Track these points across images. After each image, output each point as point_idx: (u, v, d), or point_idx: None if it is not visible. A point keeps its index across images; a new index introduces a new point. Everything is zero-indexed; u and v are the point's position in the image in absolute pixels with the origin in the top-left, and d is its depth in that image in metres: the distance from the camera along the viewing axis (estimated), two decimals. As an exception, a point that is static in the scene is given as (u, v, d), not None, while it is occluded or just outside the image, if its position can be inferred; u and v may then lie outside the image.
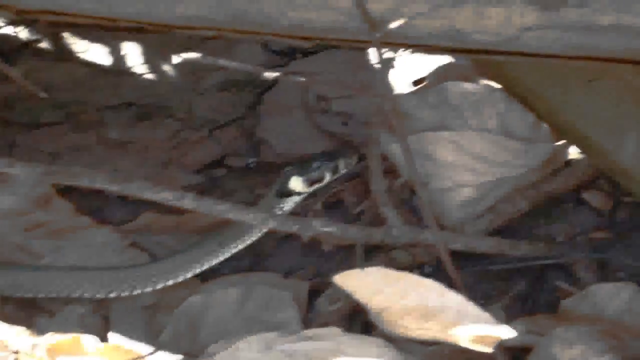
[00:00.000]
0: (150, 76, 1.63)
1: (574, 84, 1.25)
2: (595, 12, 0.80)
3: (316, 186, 1.34)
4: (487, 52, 0.88)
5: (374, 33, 0.87)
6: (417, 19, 0.86)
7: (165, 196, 1.23)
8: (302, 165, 1.34)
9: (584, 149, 1.32)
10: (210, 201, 1.25)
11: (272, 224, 1.26)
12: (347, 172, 1.36)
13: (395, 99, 1.45)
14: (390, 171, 1.43)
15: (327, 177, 1.33)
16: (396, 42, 0.91)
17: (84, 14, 1.03)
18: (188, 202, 1.24)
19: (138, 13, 0.99)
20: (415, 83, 1.63)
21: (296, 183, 1.33)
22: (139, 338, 1.33)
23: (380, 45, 0.89)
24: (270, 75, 0.91)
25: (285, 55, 1.66)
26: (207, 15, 0.94)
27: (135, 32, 1.02)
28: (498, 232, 1.41)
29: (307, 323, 1.31)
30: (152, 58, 1.60)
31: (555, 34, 0.83)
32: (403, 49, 0.97)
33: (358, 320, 1.32)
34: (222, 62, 0.89)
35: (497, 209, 1.41)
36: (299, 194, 1.34)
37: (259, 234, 1.36)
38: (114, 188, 1.24)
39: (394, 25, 0.85)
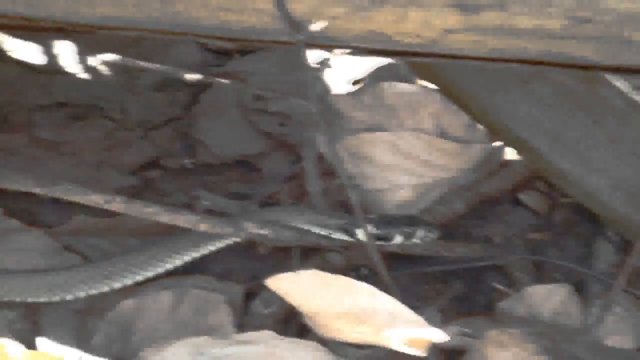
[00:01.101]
0: (83, 76, 1.60)
1: (508, 85, 1.25)
2: (514, 15, 0.79)
3: (382, 243, 1.31)
4: (409, 54, 0.87)
5: (295, 35, 0.85)
6: (337, 21, 0.85)
7: (94, 199, 1.21)
8: (383, 219, 1.33)
9: (519, 150, 1.32)
10: (140, 204, 1.23)
11: (203, 227, 1.25)
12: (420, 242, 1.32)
13: (331, 99, 1.45)
14: (328, 172, 1.43)
15: (397, 240, 1.30)
16: (319, 43, 0.90)
17: (7, 14, 1.01)
18: (117, 204, 1.22)
19: (61, 14, 0.97)
20: (354, 83, 1.63)
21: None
22: (69, 343, 1.30)
23: (304, 46, 0.88)
24: (192, 77, 0.89)
25: (222, 54, 1.65)
26: (126, 16, 0.92)
27: (59, 32, 1.00)
28: (435, 233, 1.42)
29: (242, 327, 1.31)
30: (86, 57, 1.58)
31: (475, 36, 0.82)
32: (329, 50, 0.96)
33: (294, 323, 1.31)
34: (143, 64, 0.87)
35: (434, 211, 1.40)
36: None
37: (208, 250, 1.34)
38: (41, 191, 1.22)
39: (315, 27, 0.84)
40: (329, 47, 0.90)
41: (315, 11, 0.85)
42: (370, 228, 1.28)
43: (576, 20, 0.80)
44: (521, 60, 0.84)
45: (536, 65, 0.83)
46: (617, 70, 0.83)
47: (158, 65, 0.88)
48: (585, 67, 0.84)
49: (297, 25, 0.85)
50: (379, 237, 1.30)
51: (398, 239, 1.31)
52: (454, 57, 0.87)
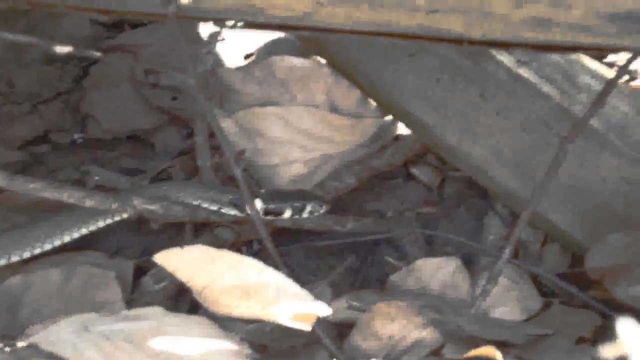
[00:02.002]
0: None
1: (395, 58, 1.26)
2: (381, -10, 0.79)
3: (271, 217, 1.31)
4: (283, 27, 0.87)
5: (166, 7, 0.84)
6: (210, -6, 0.84)
7: (-26, 174, 1.18)
8: (273, 194, 1.33)
9: (408, 124, 1.33)
10: (23, 179, 1.20)
11: (89, 202, 1.23)
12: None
13: (221, 73, 1.44)
14: (219, 147, 1.42)
15: (287, 214, 1.30)
16: (191, 15, 0.89)
17: None
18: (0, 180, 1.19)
19: None
20: (246, 57, 1.62)
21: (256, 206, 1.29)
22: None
23: (177, 19, 0.86)
24: (63, 49, 0.87)
25: (113, 27, 1.62)
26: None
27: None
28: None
29: (132, 303, 1.29)
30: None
31: (345, 9, 0.82)
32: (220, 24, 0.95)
33: (185, 299, 1.30)
34: (9, 36, 0.84)
35: (326, 185, 1.40)
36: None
37: (97, 227, 1.32)
38: None
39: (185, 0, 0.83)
40: (201, 20, 0.89)
41: (185, -18, 0.83)
42: (259, 203, 1.29)
43: (442, -8, 0.80)
44: (390, 34, 0.84)
45: (405, 38, 0.84)
46: (483, 43, 0.84)
47: (26, 38, 0.86)
48: (452, 41, 0.84)
49: (167, -3, 0.84)
50: (268, 212, 1.30)
51: (287, 213, 1.31)
52: (326, 30, 0.86)
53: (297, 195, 1.32)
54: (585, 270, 1.26)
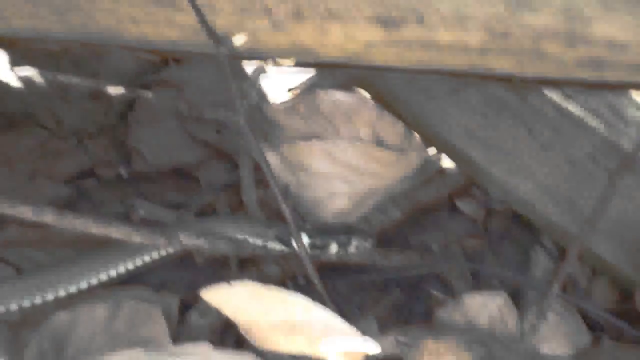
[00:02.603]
0: (17, 84, 1.58)
1: (440, 93, 1.26)
2: (433, 30, 0.79)
3: (317, 252, 1.30)
4: (334, 65, 0.87)
5: (218, 48, 0.84)
6: (260, 35, 0.84)
7: (24, 211, 1.18)
8: (318, 228, 1.32)
9: (453, 158, 1.32)
10: (71, 215, 1.20)
11: (136, 238, 1.23)
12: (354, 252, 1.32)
13: (266, 108, 1.45)
14: (265, 181, 1.42)
15: (333, 249, 1.30)
16: (243, 56, 0.89)
17: None
18: (48, 216, 1.19)
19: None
20: (290, 91, 1.62)
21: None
22: (1, 357, 1.29)
23: (227, 60, 0.87)
24: (114, 90, 0.87)
25: (158, 62, 1.63)
26: (47, 29, 0.91)
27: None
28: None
29: (178, 338, 1.29)
30: (19, 65, 1.55)
31: (397, 50, 0.82)
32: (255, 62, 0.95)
33: (231, 334, 1.30)
34: (60, 77, 0.85)
35: (371, 219, 1.40)
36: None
37: (143, 261, 1.32)
38: (-31, 203, 1.19)
39: (237, 41, 0.83)
40: (252, 60, 0.90)
41: (237, 25, 0.84)
42: (305, 237, 1.28)
43: (494, 34, 0.80)
44: (441, 72, 0.84)
45: (456, 76, 0.84)
46: (535, 81, 0.84)
47: (79, 79, 0.87)
48: (504, 79, 0.84)
49: (219, 39, 0.84)
50: (314, 246, 1.30)
51: (333, 248, 1.30)
52: (377, 69, 0.87)
53: (343, 230, 1.31)
54: (636, 306, 1.26)
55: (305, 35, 0.83)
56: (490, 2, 0.78)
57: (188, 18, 0.84)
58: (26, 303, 1.29)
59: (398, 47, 0.81)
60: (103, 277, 1.32)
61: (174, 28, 0.87)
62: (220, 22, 0.84)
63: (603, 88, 0.85)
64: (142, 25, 0.87)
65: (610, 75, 0.83)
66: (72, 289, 1.31)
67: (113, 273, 1.32)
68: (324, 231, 1.31)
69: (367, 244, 1.30)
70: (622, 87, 0.84)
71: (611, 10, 0.77)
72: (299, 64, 0.89)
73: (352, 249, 1.30)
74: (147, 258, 1.33)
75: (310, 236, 1.29)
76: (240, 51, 0.87)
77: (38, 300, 1.30)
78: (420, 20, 0.77)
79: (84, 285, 1.31)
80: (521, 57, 0.81)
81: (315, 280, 1.18)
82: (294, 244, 1.27)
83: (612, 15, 0.77)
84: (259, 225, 1.33)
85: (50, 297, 1.30)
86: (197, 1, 0.83)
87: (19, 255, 1.40)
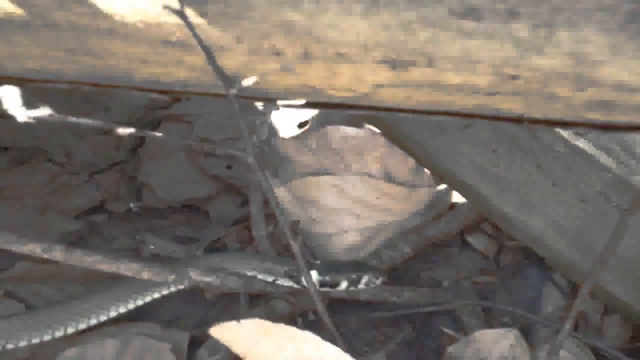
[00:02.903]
0: (27, 119, 1.58)
1: (449, 129, 1.25)
2: (442, 72, 0.79)
3: (327, 289, 1.29)
4: (343, 106, 0.87)
5: (228, 90, 0.84)
6: (269, 76, 0.84)
7: (33, 248, 1.18)
8: (328, 265, 1.31)
9: (463, 194, 1.32)
10: (81, 252, 1.20)
11: (146, 275, 1.22)
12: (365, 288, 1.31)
13: (276, 143, 1.45)
14: (274, 216, 1.42)
15: (343, 286, 1.29)
16: (252, 96, 0.89)
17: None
18: (57, 253, 1.19)
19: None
20: (300, 126, 1.62)
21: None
22: (11, 393, 1.28)
23: (237, 99, 0.87)
24: (125, 131, 0.87)
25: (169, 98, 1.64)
26: (57, 69, 0.91)
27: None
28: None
29: (187, 375, 1.29)
30: (32, 101, 1.55)
31: (405, 91, 0.82)
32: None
33: (240, 370, 1.30)
34: (70, 119, 0.85)
35: (381, 254, 1.40)
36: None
37: (152, 297, 1.31)
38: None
39: (247, 82, 0.83)
40: (261, 101, 0.89)
41: (246, 67, 0.84)
42: (315, 274, 1.28)
43: (503, 76, 0.80)
44: (450, 113, 0.84)
45: (465, 117, 0.83)
46: (544, 122, 0.83)
47: (89, 121, 0.87)
48: (512, 120, 0.83)
49: (229, 80, 0.84)
50: (324, 284, 1.29)
51: (343, 285, 1.30)
52: (386, 109, 0.86)
53: (353, 267, 1.30)
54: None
55: (314, 76, 0.83)
56: (500, 45, 0.78)
57: (197, 58, 0.84)
58: (35, 339, 1.29)
59: (407, 87, 0.81)
60: (112, 313, 1.31)
61: (183, 68, 0.87)
62: (228, 63, 0.84)
63: (613, 130, 0.85)
64: (152, 65, 0.87)
65: (620, 117, 0.83)
66: (82, 325, 1.31)
67: (122, 309, 1.32)
68: (334, 268, 1.31)
69: (377, 281, 1.30)
70: (632, 129, 0.84)
71: (619, 54, 0.76)
72: (308, 104, 0.88)
73: (362, 285, 1.30)
74: (156, 294, 1.33)
75: (320, 273, 1.29)
76: (249, 92, 0.87)
77: (47, 337, 1.29)
78: (430, 63, 0.77)
79: (93, 321, 1.31)
80: (530, 99, 0.80)
81: (325, 316, 1.17)
82: (304, 281, 1.28)
83: (619, 59, 0.77)
84: (268, 261, 1.33)
85: (59, 333, 1.30)
86: (206, 42, 0.83)
87: (28, 290, 1.41)
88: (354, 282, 1.30)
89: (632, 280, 1.26)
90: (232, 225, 1.48)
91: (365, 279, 1.29)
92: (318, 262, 1.33)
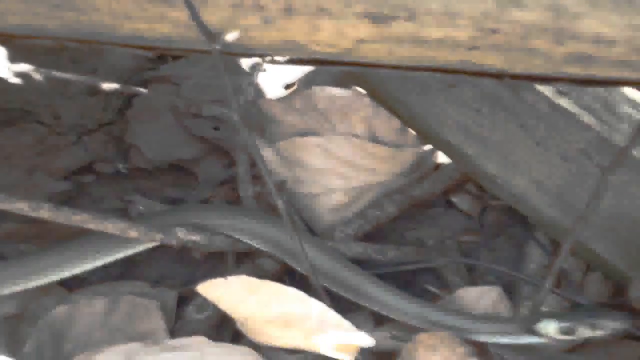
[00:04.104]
0: (15, 80, 1.58)
1: (434, 89, 1.26)
2: (423, 27, 0.80)
3: (567, 337, 1.19)
4: (325, 62, 0.88)
5: (211, 44, 0.85)
6: (251, 31, 0.85)
7: (21, 206, 1.19)
8: (563, 313, 1.24)
9: (448, 154, 1.33)
10: (68, 211, 1.21)
11: (134, 233, 1.24)
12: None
13: (262, 104, 1.45)
14: (261, 176, 1.43)
15: (584, 334, 1.18)
16: (236, 52, 0.90)
17: None
18: (45, 212, 1.20)
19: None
20: (286, 88, 1.63)
21: (548, 327, 1.19)
22: (1, 351, 1.30)
23: (222, 56, 0.88)
24: (110, 87, 0.88)
25: (155, 58, 1.64)
26: (42, 25, 0.92)
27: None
28: (368, 237, 1.41)
29: (175, 332, 1.30)
30: (18, 62, 1.56)
31: (387, 46, 0.83)
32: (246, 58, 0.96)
33: (228, 328, 1.31)
34: (55, 73, 0.86)
35: (366, 214, 1.41)
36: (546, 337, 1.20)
37: (131, 251, 1.32)
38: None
39: (229, 37, 0.84)
40: (244, 56, 0.90)
41: (229, 22, 0.85)
42: (554, 323, 1.18)
43: (484, 30, 0.81)
44: (432, 69, 0.85)
45: (446, 73, 0.84)
46: (525, 78, 0.84)
47: (74, 76, 0.88)
48: (494, 76, 0.85)
49: (212, 35, 0.85)
50: (565, 332, 1.17)
51: (586, 333, 1.18)
52: (368, 65, 0.87)
53: (596, 311, 1.21)
54: (628, 300, 1.26)
55: (297, 31, 0.84)
56: (480, -2, 0.79)
57: (181, 14, 0.85)
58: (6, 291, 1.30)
59: (389, 43, 0.81)
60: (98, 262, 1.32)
61: (167, 24, 0.88)
62: (211, 18, 0.85)
63: (592, 84, 0.86)
64: (135, 21, 0.88)
65: (599, 71, 0.84)
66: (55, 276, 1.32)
67: (99, 262, 1.32)
68: (574, 315, 1.20)
69: (626, 326, 1.18)
70: (610, 83, 0.85)
71: (597, 7, 0.77)
72: (292, 60, 0.89)
73: (607, 331, 1.18)
74: (130, 251, 1.33)
75: (559, 320, 1.18)
76: (233, 47, 0.88)
77: (35, 282, 1.30)
78: (411, 18, 0.78)
79: (66, 273, 1.31)
80: (510, 54, 0.81)
81: (311, 274, 1.19)
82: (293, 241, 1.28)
83: (598, 12, 0.78)
84: (255, 220, 1.34)
85: (44, 280, 1.31)
86: (190, -3, 0.84)
87: (16, 250, 1.42)
88: (598, 328, 1.18)
89: (613, 237, 1.28)
90: (219, 186, 1.49)
91: (610, 324, 1.18)
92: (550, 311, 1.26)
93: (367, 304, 1.25)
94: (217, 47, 0.85)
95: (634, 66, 0.82)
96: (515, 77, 0.83)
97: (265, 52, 0.88)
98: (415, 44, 0.81)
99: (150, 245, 1.30)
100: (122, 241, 1.29)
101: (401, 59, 0.84)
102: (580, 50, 0.80)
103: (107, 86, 0.87)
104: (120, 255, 1.31)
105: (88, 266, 1.32)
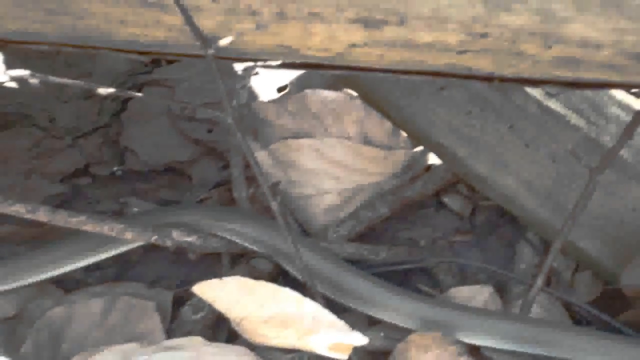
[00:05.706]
0: (11, 85, 1.60)
1: (425, 92, 1.28)
2: (414, 31, 0.82)
3: None
4: (317, 66, 0.89)
5: (205, 49, 0.87)
6: (245, 36, 0.86)
7: (18, 209, 1.20)
8: None
9: (439, 155, 1.35)
10: (65, 213, 1.23)
11: (129, 235, 1.25)
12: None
13: (255, 107, 1.47)
14: (255, 178, 1.44)
15: None
16: (229, 56, 0.92)
17: None
18: (42, 214, 1.21)
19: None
20: (279, 90, 1.64)
21: None
22: (-1, 351, 1.31)
23: (215, 60, 0.89)
24: (106, 91, 0.89)
25: (150, 62, 1.65)
26: (37, 30, 0.93)
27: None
28: (361, 237, 1.42)
29: (171, 333, 1.31)
30: (14, 67, 1.57)
31: (378, 50, 0.84)
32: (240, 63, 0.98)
33: (223, 328, 1.32)
34: (52, 79, 0.87)
35: (359, 215, 1.42)
36: None
37: (121, 249, 1.34)
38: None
39: (223, 42, 0.86)
40: (238, 60, 0.92)
41: (223, 27, 0.86)
42: None
43: (473, 34, 0.82)
44: (422, 72, 0.87)
45: (436, 76, 0.86)
46: (514, 81, 0.86)
47: (70, 81, 0.89)
48: (483, 79, 0.86)
49: (206, 40, 0.87)
50: None
51: None
52: (360, 69, 0.89)
53: None
54: (617, 296, 1.28)
55: (290, 36, 0.86)
56: (470, 3, 0.81)
57: (175, 18, 0.86)
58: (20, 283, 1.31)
59: (380, 47, 0.83)
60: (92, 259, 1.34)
61: (161, 29, 0.89)
62: (205, 23, 0.86)
63: (580, 87, 0.87)
64: (131, 26, 0.89)
65: (586, 74, 0.86)
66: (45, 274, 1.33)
67: (92, 259, 1.34)
68: None
69: None
70: (597, 86, 0.86)
71: (584, 11, 0.79)
72: (285, 64, 0.91)
73: None
74: (118, 249, 1.34)
75: None
76: (226, 52, 0.90)
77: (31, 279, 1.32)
78: (402, 22, 0.80)
79: (56, 272, 1.33)
80: (499, 57, 0.83)
81: (305, 274, 1.20)
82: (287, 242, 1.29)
83: (585, 16, 0.80)
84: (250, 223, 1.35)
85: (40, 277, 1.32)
86: (183, 2, 0.85)
87: (12, 252, 1.42)
88: None
89: (602, 236, 1.30)
90: (213, 188, 1.51)
91: None
92: None
93: (362, 309, 1.27)
94: (211, 51, 0.87)
95: (620, 69, 0.83)
96: (504, 79, 0.85)
97: (258, 57, 0.89)
98: (406, 48, 0.83)
99: (142, 242, 1.31)
100: (115, 238, 1.31)
101: (392, 63, 0.86)
102: (567, 53, 0.82)
103: (102, 90, 0.88)
104: (113, 252, 1.33)
105: (81, 263, 1.33)
